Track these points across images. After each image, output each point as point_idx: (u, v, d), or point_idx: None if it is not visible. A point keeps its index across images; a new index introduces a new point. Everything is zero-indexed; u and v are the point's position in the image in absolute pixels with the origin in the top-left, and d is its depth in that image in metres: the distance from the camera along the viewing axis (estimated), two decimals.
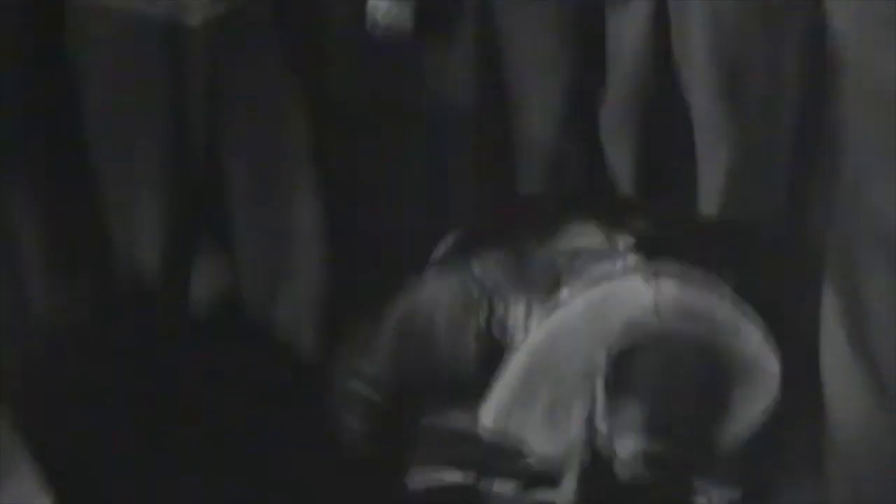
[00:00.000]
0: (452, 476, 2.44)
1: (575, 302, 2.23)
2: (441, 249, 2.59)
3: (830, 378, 2.23)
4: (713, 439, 2.24)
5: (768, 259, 2.48)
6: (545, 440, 2.24)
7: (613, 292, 2.25)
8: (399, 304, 2.35)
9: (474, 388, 2.28)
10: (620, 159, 2.74)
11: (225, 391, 2.69)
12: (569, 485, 2.29)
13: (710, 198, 2.65)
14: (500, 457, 2.29)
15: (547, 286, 2.26)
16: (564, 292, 2.25)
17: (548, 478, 2.29)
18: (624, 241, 2.36)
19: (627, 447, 2.19)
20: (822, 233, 2.29)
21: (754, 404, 2.26)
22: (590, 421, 2.21)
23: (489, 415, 2.25)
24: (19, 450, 2.50)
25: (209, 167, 2.71)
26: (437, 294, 2.31)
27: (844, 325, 2.16)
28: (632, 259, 2.28)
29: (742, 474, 2.46)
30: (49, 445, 2.51)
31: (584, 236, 2.39)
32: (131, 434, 2.61)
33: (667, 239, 2.40)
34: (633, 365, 2.15)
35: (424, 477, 2.46)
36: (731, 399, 2.22)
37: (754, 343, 2.25)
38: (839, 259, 2.16)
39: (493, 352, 2.27)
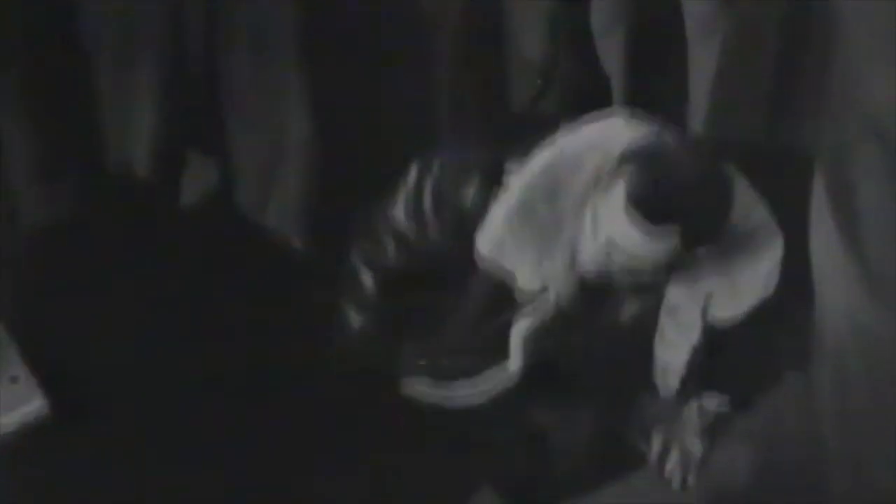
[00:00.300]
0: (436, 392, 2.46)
1: (579, 129, 2.21)
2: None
3: (819, 268, 2.22)
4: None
5: (757, 156, 2.46)
6: (533, 272, 2.24)
7: (617, 122, 2.23)
8: (408, 180, 2.35)
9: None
10: (611, 55, 2.72)
11: (216, 288, 2.70)
12: (541, 306, 2.31)
13: (701, 91, 2.63)
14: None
15: None
16: None
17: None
18: None
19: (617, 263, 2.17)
20: (812, 128, 2.28)
21: (755, 278, 2.26)
22: (579, 243, 2.19)
23: (485, 241, 2.24)
24: (12, 351, 2.51)
25: (203, 66, 2.70)
26: (449, 167, 2.30)
27: (834, 215, 2.15)
28: None
29: (732, 383, 2.48)
30: (42, 346, 2.52)
31: None
32: (123, 332, 2.62)
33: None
34: (635, 171, 2.10)
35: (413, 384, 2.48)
36: (731, 257, 2.22)
37: (759, 215, 2.23)
38: (830, 152, 2.15)
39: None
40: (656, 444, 2.51)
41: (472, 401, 2.43)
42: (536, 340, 2.35)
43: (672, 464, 2.49)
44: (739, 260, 2.24)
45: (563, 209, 2.21)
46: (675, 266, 2.23)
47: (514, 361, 2.37)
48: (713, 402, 2.48)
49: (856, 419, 2.30)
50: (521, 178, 2.23)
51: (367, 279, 2.44)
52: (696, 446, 2.49)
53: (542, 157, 2.23)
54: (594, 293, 2.30)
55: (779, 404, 2.57)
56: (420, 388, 2.47)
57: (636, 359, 2.41)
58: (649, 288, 2.31)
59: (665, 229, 2.10)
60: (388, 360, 2.50)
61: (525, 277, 2.26)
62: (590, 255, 2.17)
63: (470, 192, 2.27)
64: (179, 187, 2.87)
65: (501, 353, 2.37)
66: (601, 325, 2.37)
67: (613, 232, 2.13)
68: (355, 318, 2.47)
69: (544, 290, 2.28)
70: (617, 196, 2.10)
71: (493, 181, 2.26)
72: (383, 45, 2.82)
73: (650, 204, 2.09)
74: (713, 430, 2.51)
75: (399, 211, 2.36)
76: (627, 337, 2.39)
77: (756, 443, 2.52)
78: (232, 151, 2.82)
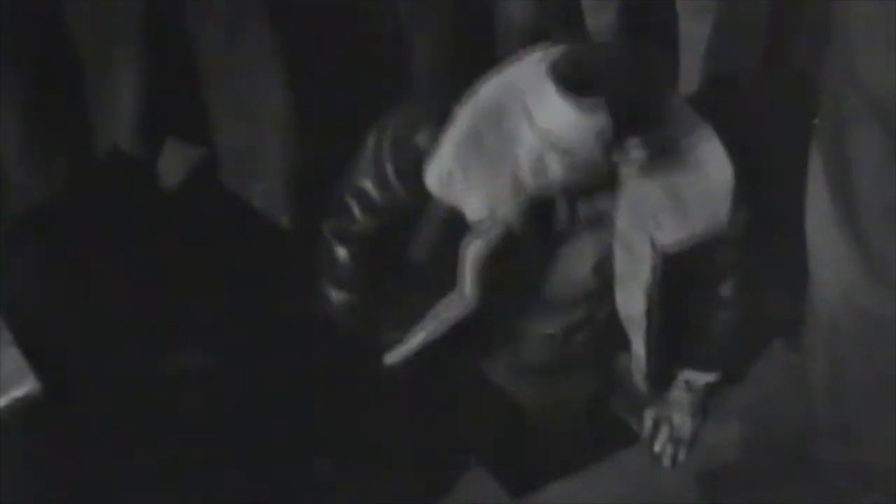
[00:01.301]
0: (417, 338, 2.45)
1: (524, 58, 2.21)
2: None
3: (815, 245, 2.23)
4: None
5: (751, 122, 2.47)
6: (481, 202, 2.23)
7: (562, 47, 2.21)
8: (367, 144, 2.36)
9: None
10: (603, 32, 2.71)
11: (205, 267, 2.69)
12: (491, 229, 2.28)
13: (691, 68, 2.63)
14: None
15: None
16: None
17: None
18: None
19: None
20: (811, 99, 2.28)
21: (703, 199, 2.23)
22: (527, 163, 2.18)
23: (433, 178, 2.24)
24: (3, 332, 2.49)
25: (182, 46, 2.69)
26: (402, 120, 2.31)
27: (831, 192, 2.16)
28: None
29: (720, 359, 2.49)
30: (33, 327, 2.51)
31: None
32: (110, 308, 2.61)
33: None
34: (558, 50, 2.10)
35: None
36: (677, 178, 2.22)
37: (707, 141, 2.22)
38: (828, 130, 2.16)
39: None
40: (647, 422, 2.51)
41: (433, 335, 2.42)
42: (489, 265, 2.31)
43: (662, 441, 2.49)
44: (686, 181, 2.23)
45: (508, 132, 2.21)
46: (613, 158, 2.18)
47: (467, 285, 2.33)
48: (701, 378, 2.49)
49: (849, 394, 2.32)
50: (468, 108, 2.23)
51: (342, 254, 2.43)
52: (686, 423, 2.49)
53: (488, 86, 2.24)
54: (543, 219, 2.29)
55: (770, 380, 2.59)
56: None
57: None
58: (600, 217, 2.30)
59: (590, 101, 2.08)
60: (369, 333, 2.48)
61: (474, 209, 2.25)
62: (528, 157, 2.16)
63: (424, 136, 2.26)
64: (157, 165, 2.86)
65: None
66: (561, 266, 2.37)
67: (544, 119, 2.11)
68: (333, 294, 2.46)
69: (493, 217, 2.26)
70: (542, 78, 2.10)
71: (444, 122, 2.25)
72: (361, 22, 2.81)
73: (571, 72, 2.08)
74: (704, 407, 2.52)
75: (362, 175, 2.37)
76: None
77: (747, 419, 2.53)
78: (214, 131, 2.81)
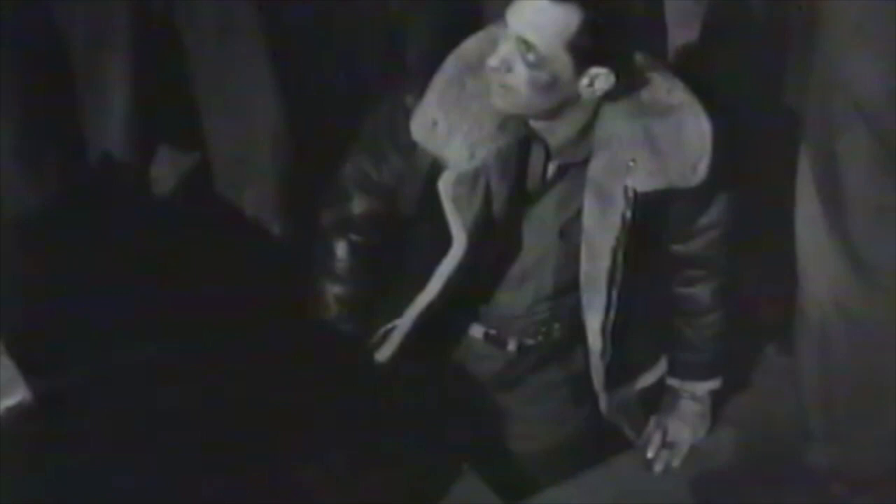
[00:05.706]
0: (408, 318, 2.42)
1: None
2: None
3: (804, 250, 2.24)
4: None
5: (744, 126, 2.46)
6: (462, 147, 2.21)
7: None
8: (364, 130, 2.37)
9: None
10: None
11: (197, 274, 2.70)
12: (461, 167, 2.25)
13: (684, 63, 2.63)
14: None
15: None
16: None
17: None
18: None
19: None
20: (799, 103, 2.28)
21: (678, 148, 2.20)
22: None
23: (418, 128, 2.23)
24: None
25: (174, 55, 2.70)
26: (393, 98, 2.32)
27: (820, 197, 2.18)
28: None
29: (720, 366, 2.48)
30: (25, 336, 2.51)
31: None
32: (102, 316, 2.62)
33: None
34: None
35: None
36: (653, 129, 2.19)
37: (681, 94, 2.20)
38: (815, 135, 2.17)
39: None
40: (649, 427, 2.51)
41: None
42: (468, 204, 2.28)
43: (656, 447, 2.49)
44: (662, 130, 2.21)
45: (487, 77, 2.19)
46: (579, 83, 2.14)
47: (452, 224, 2.29)
48: (702, 387, 2.48)
49: (839, 398, 2.33)
50: (451, 58, 2.24)
51: (340, 245, 2.43)
52: (684, 431, 2.49)
53: (471, 39, 2.25)
54: (517, 171, 2.27)
55: (763, 385, 2.59)
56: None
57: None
58: (572, 175, 2.27)
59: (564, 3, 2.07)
60: (363, 327, 2.48)
61: (454, 155, 2.23)
62: (499, 68, 2.13)
63: (411, 96, 2.25)
64: (149, 171, 2.87)
65: None
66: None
67: (517, 14, 2.10)
68: (329, 288, 2.46)
69: (473, 162, 2.24)
70: None
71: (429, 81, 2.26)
72: (352, 27, 2.82)
73: None
74: (708, 416, 2.51)
75: (360, 155, 2.38)
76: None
77: (740, 423, 2.53)
78: (205, 137, 2.82)
